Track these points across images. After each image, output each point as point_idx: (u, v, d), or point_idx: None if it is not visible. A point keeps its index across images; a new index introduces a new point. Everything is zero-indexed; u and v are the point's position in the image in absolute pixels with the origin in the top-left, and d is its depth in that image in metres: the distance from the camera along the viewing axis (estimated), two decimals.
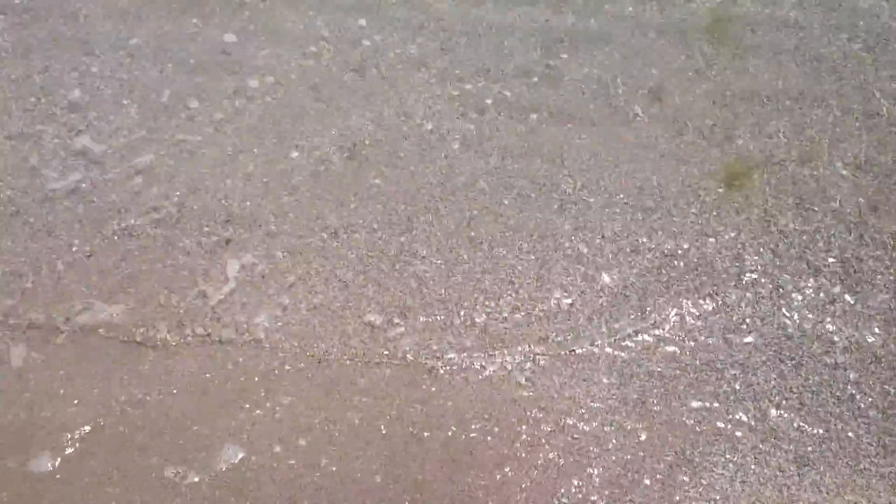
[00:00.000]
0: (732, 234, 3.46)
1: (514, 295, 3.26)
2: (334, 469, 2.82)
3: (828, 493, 2.84)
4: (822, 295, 3.29)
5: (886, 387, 3.07)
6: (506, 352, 3.10)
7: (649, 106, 3.94)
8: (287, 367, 3.03)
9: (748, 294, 3.29)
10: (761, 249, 3.42)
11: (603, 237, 3.43)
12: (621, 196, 3.58)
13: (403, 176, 3.62)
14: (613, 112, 3.91)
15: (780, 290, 3.30)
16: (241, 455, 2.83)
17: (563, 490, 2.82)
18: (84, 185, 3.50)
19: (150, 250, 3.31)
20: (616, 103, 3.95)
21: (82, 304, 3.16)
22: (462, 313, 3.20)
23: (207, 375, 3.00)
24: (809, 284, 3.32)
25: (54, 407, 2.90)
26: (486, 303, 3.23)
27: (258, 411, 2.93)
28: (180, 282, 3.23)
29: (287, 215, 3.46)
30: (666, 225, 3.48)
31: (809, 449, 2.92)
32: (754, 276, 3.34)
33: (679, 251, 3.40)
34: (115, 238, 3.34)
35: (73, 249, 3.30)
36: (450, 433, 2.91)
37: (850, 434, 2.96)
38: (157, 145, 3.66)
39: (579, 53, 4.17)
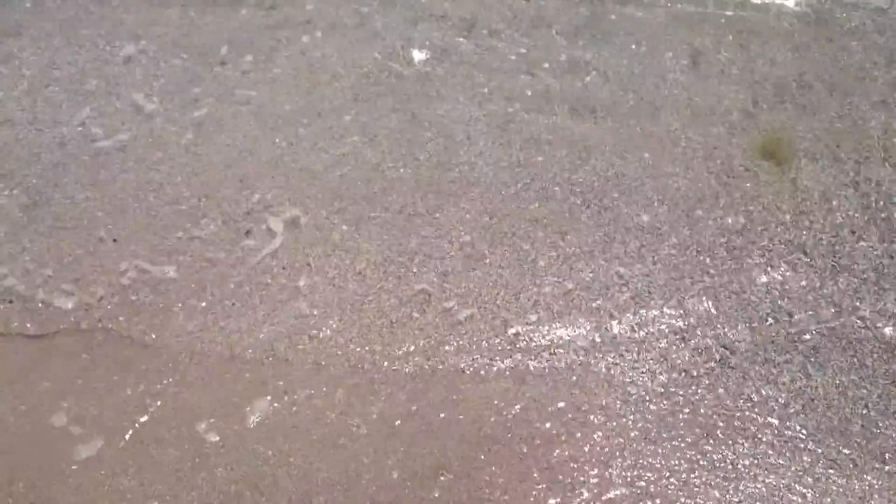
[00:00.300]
0: (759, 229, 3.38)
1: (535, 290, 3.21)
2: (350, 463, 2.79)
3: (852, 497, 2.77)
4: (850, 292, 3.21)
5: None
6: (525, 347, 3.06)
7: (676, 97, 3.87)
8: (304, 360, 3.01)
9: (774, 290, 3.21)
10: (789, 244, 3.34)
11: (627, 230, 3.37)
12: (647, 189, 3.51)
13: (425, 168, 3.57)
14: (640, 103, 3.85)
15: (808, 285, 3.22)
16: (257, 449, 2.82)
17: (581, 486, 2.77)
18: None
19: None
20: (642, 94, 3.88)
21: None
22: (482, 308, 3.16)
23: (224, 367, 2.98)
24: (838, 280, 3.24)
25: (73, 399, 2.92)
26: (507, 297, 3.19)
27: (276, 404, 2.92)
28: (195, 271, 3.23)
29: (309, 204, 3.43)
30: (692, 220, 3.42)
31: (835, 450, 2.85)
32: (781, 271, 3.26)
33: (705, 245, 3.34)
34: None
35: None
36: (468, 428, 2.87)
37: (877, 436, 2.89)
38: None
39: (606, 45, 4.11)
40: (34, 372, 2.95)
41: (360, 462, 2.80)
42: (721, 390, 2.97)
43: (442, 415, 2.90)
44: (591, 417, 2.90)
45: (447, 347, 3.05)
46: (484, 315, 3.13)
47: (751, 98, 3.86)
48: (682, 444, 2.85)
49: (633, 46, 4.09)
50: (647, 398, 2.95)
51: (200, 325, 3.08)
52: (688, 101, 3.85)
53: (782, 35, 4.14)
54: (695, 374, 3.01)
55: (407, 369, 3.00)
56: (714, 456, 2.83)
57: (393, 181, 3.52)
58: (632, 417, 2.91)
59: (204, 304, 3.14)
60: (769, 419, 2.91)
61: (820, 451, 2.85)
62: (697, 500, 2.74)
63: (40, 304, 3.11)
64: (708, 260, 3.30)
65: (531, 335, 3.09)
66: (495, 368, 3.00)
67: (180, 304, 3.14)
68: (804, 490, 2.76)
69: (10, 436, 2.81)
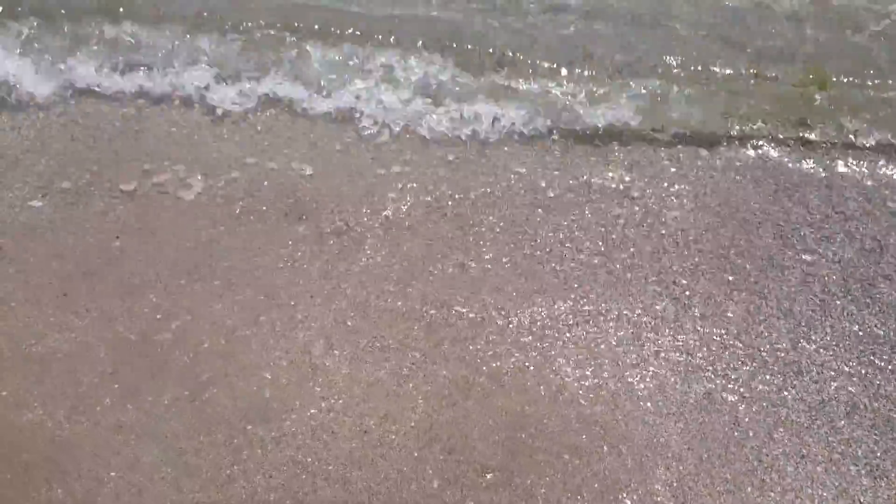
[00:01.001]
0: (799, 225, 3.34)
1: (570, 302, 3.16)
2: (390, 472, 2.76)
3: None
4: (892, 295, 3.16)
5: None
6: (563, 355, 3.02)
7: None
8: (341, 366, 2.97)
9: (816, 299, 3.16)
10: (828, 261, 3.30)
11: (678, 244, 3.32)
12: (689, 202, 3.46)
13: (461, 176, 3.51)
14: None
15: (850, 294, 3.16)
16: (295, 456, 2.78)
17: (625, 495, 2.73)
18: None
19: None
20: None
21: None
22: (521, 315, 3.11)
23: (260, 372, 2.95)
24: (880, 288, 3.19)
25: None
26: (542, 304, 3.14)
27: (312, 410, 2.88)
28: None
29: (345, 200, 3.37)
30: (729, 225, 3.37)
31: (884, 460, 2.81)
32: (822, 283, 3.21)
33: (737, 247, 3.29)
34: None
35: None
36: (508, 436, 2.83)
37: None
38: None
39: None
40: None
41: (399, 470, 2.76)
42: (761, 402, 2.93)
43: (482, 422, 2.86)
44: (635, 425, 2.86)
45: (486, 355, 3.01)
46: (522, 323, 3.09)
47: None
48: (728, 455, 2.81)
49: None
50: (688, 403, 2.91)
51: (235, 325, 3.04)
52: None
53: None
54: (735, 381, 2.97)
55: (444, 374, 2.96)
56: (761, 469, 2.79)
57: (426, 187, 3.47)
58: (672, 423, 2.87)
59: (238, 304, 3.10)
60: (814, 430, 2.87)
61: (868, 461, 2.80)
62: None
63: None
64: (748, 266, 3.25)
65: (570, 344, 3.04)
66: (535, 376, 2.96)
67: (213, 304, 3.10)
68: (851, 501, 2.72)
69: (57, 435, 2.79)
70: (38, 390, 2.89)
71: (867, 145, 3.65)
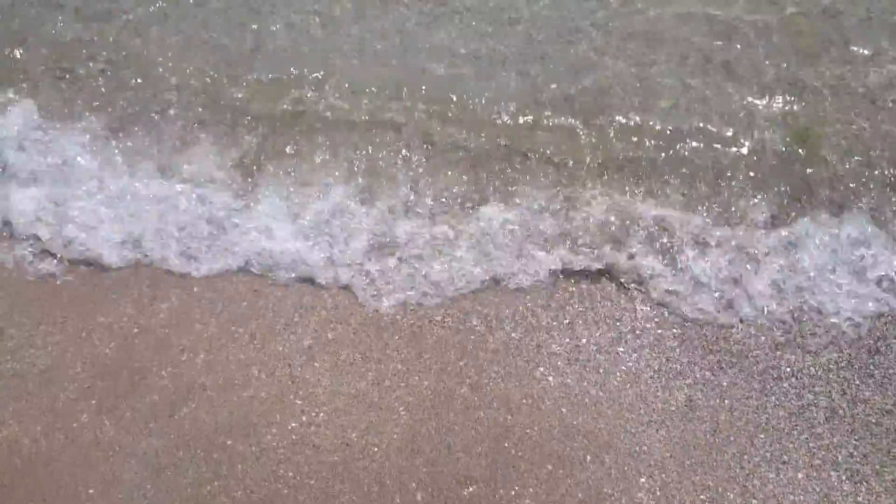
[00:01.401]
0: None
1: (552, 306, 3.16)
2: (373, 486, 2.74)
3: None
4: (875, 307, 3.18)
5: None
6: (548, 365, 3.01)
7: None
8: (322, 378, 2.95)
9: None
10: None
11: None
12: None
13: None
14: None
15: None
16: (277, 471, 2.76)
17: None
18: None
19: None
20: None
21: None
22: (501, 325, 3.10)
23: (242, 386, 2.92)
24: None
25: None
26: (524, 312, 3.13)
27: (293, 423, 2.86)
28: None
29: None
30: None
31: (864, 465, 2.83)
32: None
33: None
34: None
35: None
36: (491, 447, 2.82)
37: None
38: None
39: None
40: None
41: (382, 483, 2.75)
42: (745, 408, 2.94)
43: (464, 433, 2.85)
44: (620, 438, 2.86)
45: (468, 365, 3.00)
46: (506, 334, 3.08)
47: None
48: (711, 462, 2.82)
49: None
50: (673, 410, 2.92)
51: (213, 337, 3.02)
52: None
53: None
54: (720, 385, 2.97)
55: (427, 386, 2.95)
56: (743, 475, 2.80)
57: None
58: (656, 433, 2.87)
59: (216, 316, 3.07)
60: (795, 436, 2.88)
61: (849, 466, 2.82)
62: None
63: None
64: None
65: (551, 353, 3.04)
66: (517, 386, 2.96)
67: (198, 314, 3.07)
68: None
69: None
70: (13, 406, 2.86)
71: None
